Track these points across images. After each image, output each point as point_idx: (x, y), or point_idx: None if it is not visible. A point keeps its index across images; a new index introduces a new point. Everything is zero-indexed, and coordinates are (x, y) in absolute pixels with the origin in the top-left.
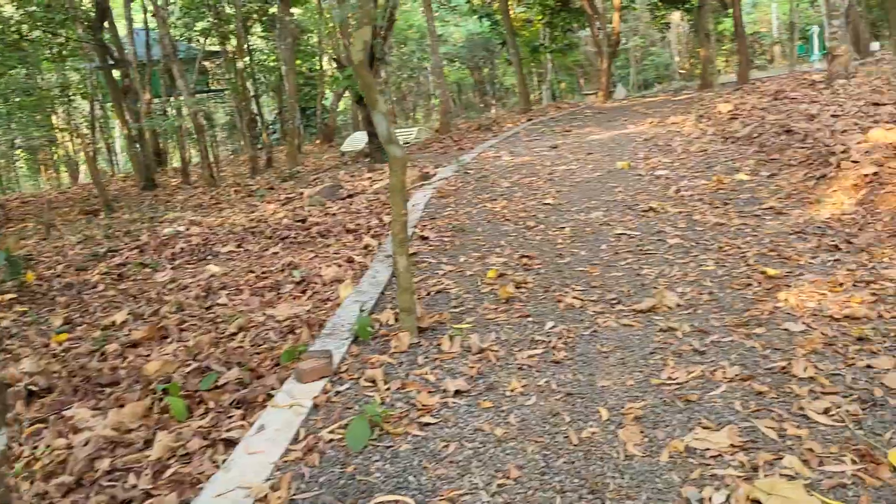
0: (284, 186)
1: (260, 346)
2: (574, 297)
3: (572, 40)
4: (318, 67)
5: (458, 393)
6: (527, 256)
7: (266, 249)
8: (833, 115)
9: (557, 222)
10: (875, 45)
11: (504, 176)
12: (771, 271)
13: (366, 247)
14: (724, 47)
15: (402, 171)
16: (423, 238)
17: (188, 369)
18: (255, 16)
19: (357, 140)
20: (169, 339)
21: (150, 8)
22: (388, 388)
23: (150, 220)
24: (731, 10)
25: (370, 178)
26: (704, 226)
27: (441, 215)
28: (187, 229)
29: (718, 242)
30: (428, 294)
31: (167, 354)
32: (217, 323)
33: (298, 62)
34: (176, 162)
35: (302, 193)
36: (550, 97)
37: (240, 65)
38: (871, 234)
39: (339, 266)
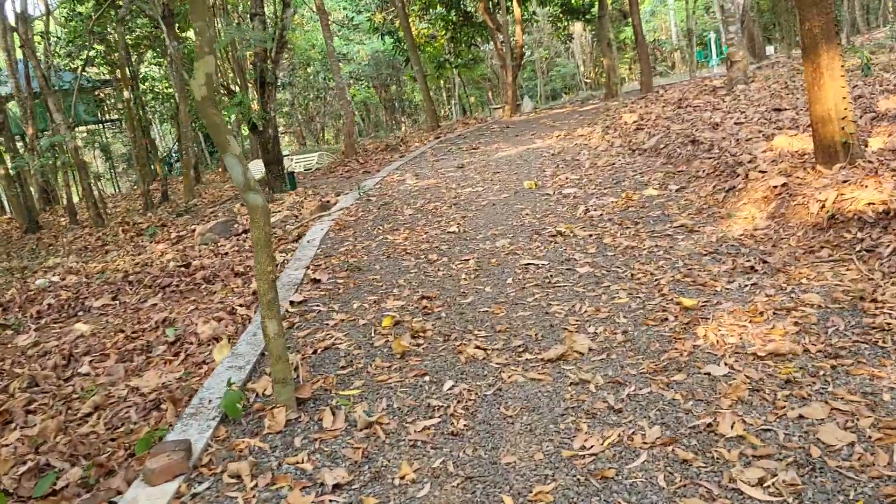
0: (178, 222)
1: (117, 428)
2: (477, 347)
3: (477, 54)
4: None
5: (337, 488)
6: (427, 297)
7: (144, 301)
8: (737, 123)
9: (461, 253)
10: (770, 49)
11: (408, 202)
12: (687, 301)
13: (254, 292)
14: (626, 56)
15: (265, 222)
16: (315, 281)
17: (24, 468)
18: (145, 42)
19: (255, 169)
20: (12, 425)
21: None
22: (254, 486)
23: (21, 271)
24: (630, 20)
25: None
26: (615, 250)
27: (337, 252)
28: (62, 279)
29: (631, 269)
30: (315, 352)
31: (6, 446)
32: (71, 401)
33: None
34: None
35: (195, 230)
36: (460, 112)
37: (126, 94)
38: (785, 252)
39: (220, 320)
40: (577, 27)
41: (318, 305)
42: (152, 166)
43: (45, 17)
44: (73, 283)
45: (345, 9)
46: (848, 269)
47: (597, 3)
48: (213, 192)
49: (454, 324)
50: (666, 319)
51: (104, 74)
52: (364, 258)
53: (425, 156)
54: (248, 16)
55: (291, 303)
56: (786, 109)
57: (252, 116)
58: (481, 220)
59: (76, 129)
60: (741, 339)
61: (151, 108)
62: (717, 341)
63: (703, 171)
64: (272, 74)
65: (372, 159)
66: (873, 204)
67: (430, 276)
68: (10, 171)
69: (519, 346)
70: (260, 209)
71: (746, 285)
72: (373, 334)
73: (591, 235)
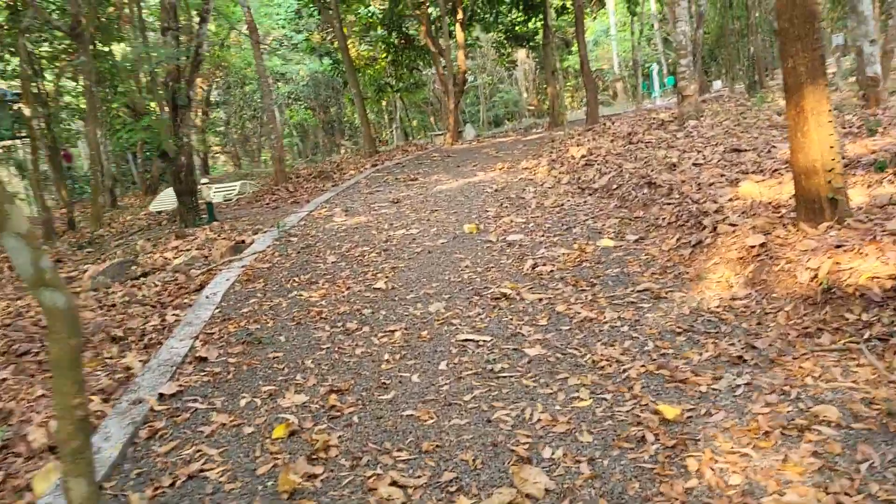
0: (77, 257)
1: None
2: (393, 483)
3: (419, 79)
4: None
5: None
6: (337, 390)
7: None
8: (695, 164)
9: (386, 321)
10: (718, 84)
11: (332, 244)
12: (667, 411)
13: (127, 369)
14: (569, 83)
15: (70, 332)
16: (200, 360)
17: None
18: (63, 56)
19: (168, 198)
20: None
21: None
22: None
23: None
24: (574, 48)
25: (176, 247)
26: (571, 322)
27: (238, 313)
28: None
29: (591, 352)
30: (173, 484)
31: None
32: None
33: (114, 105)
34: None
35: (87, 271)
36: (402, 136)
37: (27, 111)
38: (775, 334)
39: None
40: (520, 54)
41: (195, 400)
42: (65, 189)
43: None
44: None
45: (283, 27)
46: (859, 365)
47: (541, 30)
48: (125, 220)
49: (368, 436)
50: (643, 439)
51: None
52: (269, 324)
53: (359, 186)
54: (160, 30)
55: (161, 396)
56: (746, 150)
57: (161, 142)
58: (414, 272)
59: None
60: (748, 478)
61: (65, 126)
62: (717, 482)
63: (664, 219)
64: (185, 96)
65: (303, 188)
66: (878, 278)
67: (345, 354)
68: None
69: (451, 483)
70: (61, 315)
71: (738, 385)
72: (258, 451)
73: (540, 300)
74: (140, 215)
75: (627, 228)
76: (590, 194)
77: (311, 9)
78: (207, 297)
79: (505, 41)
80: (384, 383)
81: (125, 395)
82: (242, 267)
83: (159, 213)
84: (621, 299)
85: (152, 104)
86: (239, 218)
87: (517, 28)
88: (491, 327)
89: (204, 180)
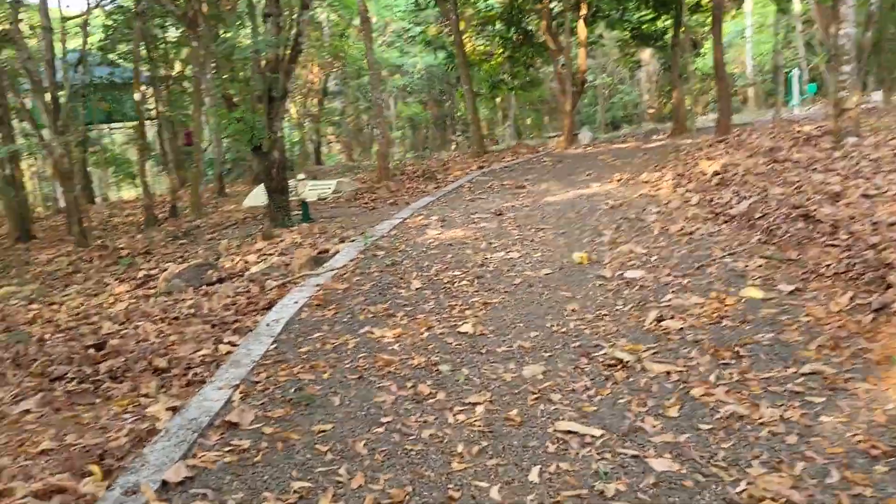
0: (168, 250)
1: None
2: None
3: (536, 76)
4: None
5: None
6: (388, 500)
7: (18, 401)
8: (865, 196)
9: (467, 386)
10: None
11: (421, 265)
12: None
13: (153, 421)
14: (694, 87)
15: None
16: (231, 426)
17: None
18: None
19: (262, 194)
20: None
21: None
22: None
23: None
24: (701, 50)
25: (259, 250)
26: (713, 419)
27: (295, 354)
28: None
29: (747, 478)
30: None
31: None
32: None
33: (231, 91)
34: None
35: (166, 269)
36: (515, 134)
37: (137, 95)
38: None
39: (57, 495)
40: (645, 54)
41: (203, 497)
42: (187, 170)
43: (87, 11)
44: None
45: (402, 19)
46: None
47: (670, 29)
48: (226, 212)
49: None
50: None
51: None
52: (325, 375)
53: (462, 191)
54: (262, 16)
55: (164, 485)
56: None
57: (254, 136)
58: (509, 312)
59: (110, 126)
60: None
61: (185, 110)
62: None
63: (828, 265)
64: (282, 88)
65: (405, 187)
66: None
67: (408, 436)
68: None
69: None
70: None
71: None
72: None
73: (668, 375)
74: (240, 207)
75: (778, 274)
76: (725, 222)
77: (430, 0)
78: (268, 325)
79: (630, 39)
80: (451, 498)
81: (123, 476)
82: (317, 286)
83: (254, 207)
84: (781, 385)
85: (249, 95)
86: (334, 218)
87: (644, 27)
88: (602, 412)
89: (301, 176)
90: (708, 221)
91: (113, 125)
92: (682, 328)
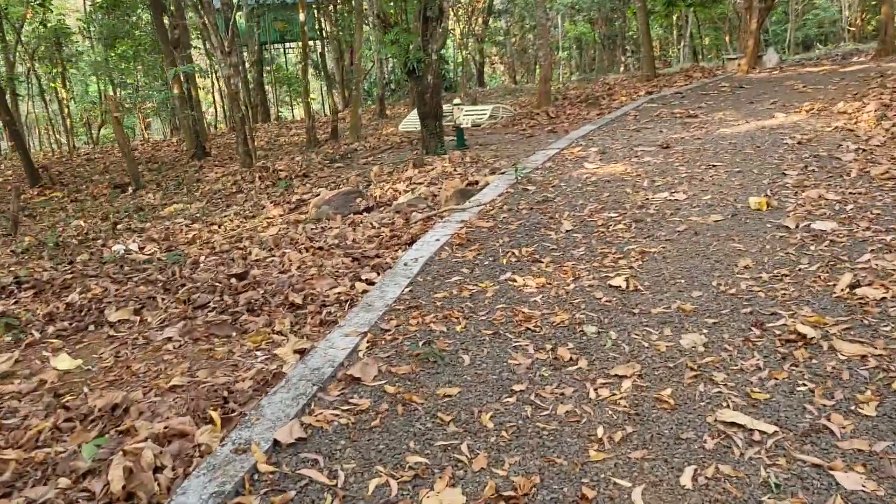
0: (324, 173)
1: None
2: None
3: None
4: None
5: None
6: (508, 498)
7: (163, 327)
8: None
9: (614, 354)
10: None
11: (574, 203)
12: None
13: (280, 363)
14: None
15: None
16: (353, 381)
17: None
18: None
19: (415, 120)
20: None
21: None
22: None
23: (138, 212)
24: None
25: (409, 178)
26: None
27: (430, 300)
28: (141, 248)
29: None
30: None
31: None
32: None
33: (391, 11)
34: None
35: (318, 195)
36: (690, 55)
37: (301, 16)
38: None
39: (170, 441)
40: None
41: (315, 464)
42: (351, 92)
43: None
44: (145, 256)
45: None
46: None
47: None
48: (383, 134)
49: None
50: None
51: None
52: (458, 327)
53: (626, 119)
54: None
55: (275, 444)
56: None
57: (409, 58)
58: (669, 264)
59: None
60: None
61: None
62: None
63: None
64: (437, 7)
65: (565, 113)
66: None
67: (542, 409)
68: (183, 90)
69: None
70: None
71: None
72: None
73: (864, 359)
74: (398, 131)
75: None
76: None
77: None
78: (406, 265)
79: None
80: (585, 497)
81: (237, 430)
82: (461, 223)
83: (408, 132)
84: None
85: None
86: (488, 146)
87: None
88: (776, 402)
89: (456, 101)
90: None
91: (288, 44)
92: (883, 298)
